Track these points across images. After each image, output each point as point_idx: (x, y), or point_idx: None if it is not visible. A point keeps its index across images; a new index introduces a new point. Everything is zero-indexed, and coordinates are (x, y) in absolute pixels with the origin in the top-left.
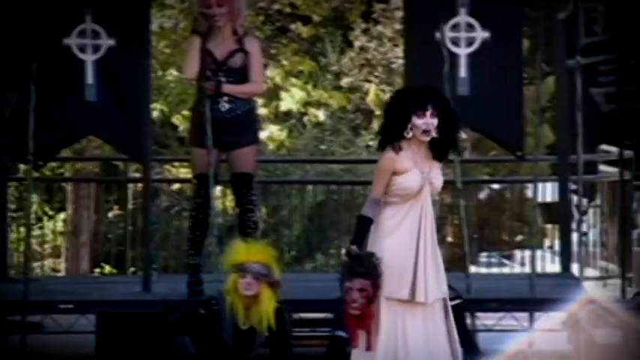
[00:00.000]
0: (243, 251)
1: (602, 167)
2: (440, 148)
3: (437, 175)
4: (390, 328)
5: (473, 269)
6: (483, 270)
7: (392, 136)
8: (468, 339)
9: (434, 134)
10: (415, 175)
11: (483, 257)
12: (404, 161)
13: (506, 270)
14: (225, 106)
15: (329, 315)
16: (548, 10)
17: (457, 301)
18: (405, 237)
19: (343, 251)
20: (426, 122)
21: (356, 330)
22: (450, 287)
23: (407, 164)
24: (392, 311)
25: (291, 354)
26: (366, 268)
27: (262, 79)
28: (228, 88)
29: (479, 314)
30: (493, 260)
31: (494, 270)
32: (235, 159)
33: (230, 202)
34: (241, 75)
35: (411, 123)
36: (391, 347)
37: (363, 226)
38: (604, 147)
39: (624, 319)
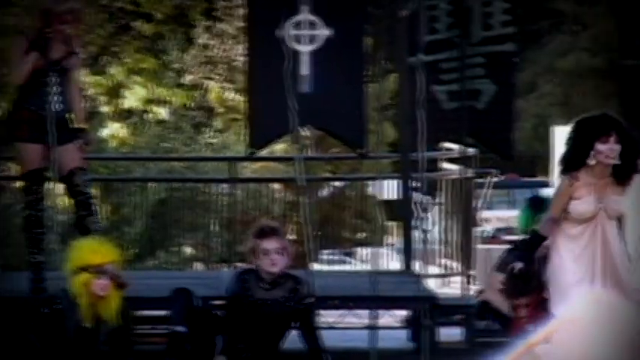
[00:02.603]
0: (99, 252)
1: (444, 165)
2: (622, 173)
3: (616, 202)
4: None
5: (315, 267)
6: (325, 267)
7: (575, 162)
8: (314, 337)
9: (617, 160)
10: (589, 201)
11: (325, 255)
12: (581, 188)
13: (347, 267)
14: (57, 103)
15: (169, 312)
16: (391, 8)
17: (311, 300)
18: (582, 263)
19: (509, 268)
20: (611, 148)
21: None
22: (302, 284)
23: (583, 191)
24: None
25: (133, 351)
26: (531, 286)
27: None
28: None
29: (321, 312)
30: (335, 258)
31: (336, 267)
32: (65, 156)
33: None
34: (68, 76)
35: (595, 149)
36: None
37: (534, 242)
38: (446, 144)
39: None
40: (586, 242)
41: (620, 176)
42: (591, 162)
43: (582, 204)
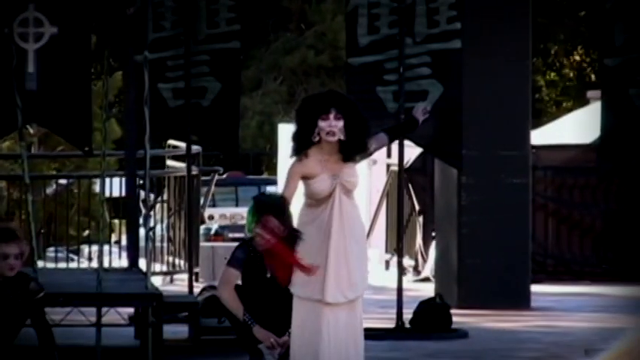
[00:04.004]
0: None
1: (170, 162)
2: (346, 150)
3: (349, 175)
4: (306, 325)
5: (40, 264)
6: (51, 265)
7: (302, 141)
8: (46, 334)
9: (340, 136)
10: (323, 179)
11: (51, 252)
12: (312, 166)
13: (73, 265)
14: None
15: None
16: (117, 5)
17: (41, 295)
18: (314, 239)
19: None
20: (330, 124)
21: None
22: (32, 281)
23: (315, 169)
24: (305, 308)
25: None
26: (273, 210)
27: None
28: None
29: (47, 309)
30: (60, 255)
31: (62, 265)
32: None
33: None
34: None
35: (317, 126)
36: (309, 343)
37: (281, 203)
38: (172, 142)
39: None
40: (322, 222)
41: (344, 152)
42: (315, 139)
43: (318, 182)
